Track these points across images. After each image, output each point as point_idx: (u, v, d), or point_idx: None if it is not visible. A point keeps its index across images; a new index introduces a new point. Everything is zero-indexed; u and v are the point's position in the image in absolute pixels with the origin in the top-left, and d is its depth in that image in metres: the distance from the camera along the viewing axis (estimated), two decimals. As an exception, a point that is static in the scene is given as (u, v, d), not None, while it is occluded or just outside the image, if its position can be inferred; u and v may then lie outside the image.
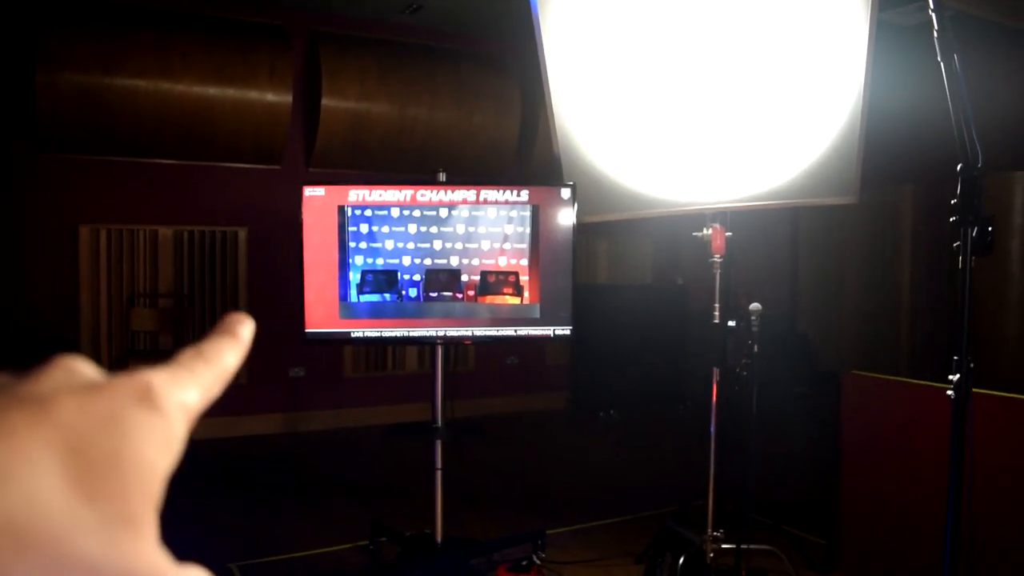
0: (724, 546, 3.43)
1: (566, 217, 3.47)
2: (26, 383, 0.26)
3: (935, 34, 1.90)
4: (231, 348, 0.33)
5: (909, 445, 3.42)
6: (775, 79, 3.23)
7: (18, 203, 5.91)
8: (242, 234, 6.58)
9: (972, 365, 1.88)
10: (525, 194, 3.45)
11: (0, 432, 0.24)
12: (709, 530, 3.45)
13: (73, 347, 5.63)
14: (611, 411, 7.40)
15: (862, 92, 3.08)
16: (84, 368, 0.28)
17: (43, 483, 0.23)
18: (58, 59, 5.54)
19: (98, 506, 0.24)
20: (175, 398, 0.29)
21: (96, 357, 6.11)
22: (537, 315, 3.44)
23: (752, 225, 3.91)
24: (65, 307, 6.04)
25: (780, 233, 7.92)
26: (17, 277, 5.90)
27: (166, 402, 0.28)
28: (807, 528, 4.19)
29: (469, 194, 3.44)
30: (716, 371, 3.47)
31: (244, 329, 0.34)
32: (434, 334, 3.44)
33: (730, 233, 3.44)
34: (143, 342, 6.31)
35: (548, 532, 4.04)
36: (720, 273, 3.44)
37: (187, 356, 0.32)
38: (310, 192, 3.38)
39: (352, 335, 3.44)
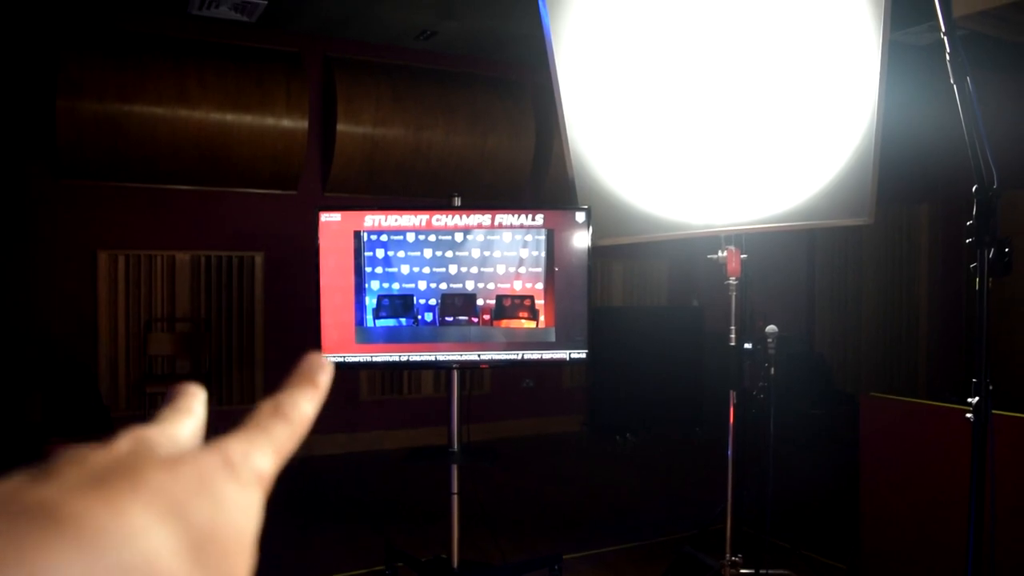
0: (743, 571, 3.40)
1: (581, 240, 3.47)
2: (105, 453, 0.27)
3: (947, 57, 1.90)
4: (309, 398, 0.34)
5: (928, 467, 3.39)
6: (788, 101, 3.24)
7: (37, 228, 5.98)
8: (258, 259, 6.63)
9: (991, 387, 1.87)
10: (540, 218, 3.46)
11: (104, 499, 0.24)
12: (727, 555, 3.42)
13: (91, 371, 5.67)
14: (627, 434, 7.37)
15: (875, 112, 3.09)
16: (157, 437, 0.29)
17: (162, 548, 0.24)
18: (78, 87, 5.62)
19: (208, 572, 0.25)
20: (252, 466, 0.29)
21: (114, 381, 6.16)
22: (553, 339, 3.44)
23: (768, 246, 3.91)
24: (83, 332, 6.09)
25: (796, 254, 7.90)
26: (36, 302, 5.95)
27: (244, 471, 0.29)
28: (826, 552, 4.15)
29: (484, 218, 3.46)
30: (733, 394, 3.46)
31: (324, 377, 0.34)
32: (450, 358, 3.45)
33: (745, 255, 3.44)
34: (161, 366, 6.35)
35: (565, 556, 4.01)
36: (736, 295, 3.43)
37: (265, 414, 0.32)
38: (326, 218, 3.40)
39: (368, 360, 3.45)
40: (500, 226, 3.45)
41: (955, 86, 1.88)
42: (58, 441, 4.87)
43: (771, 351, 3.28)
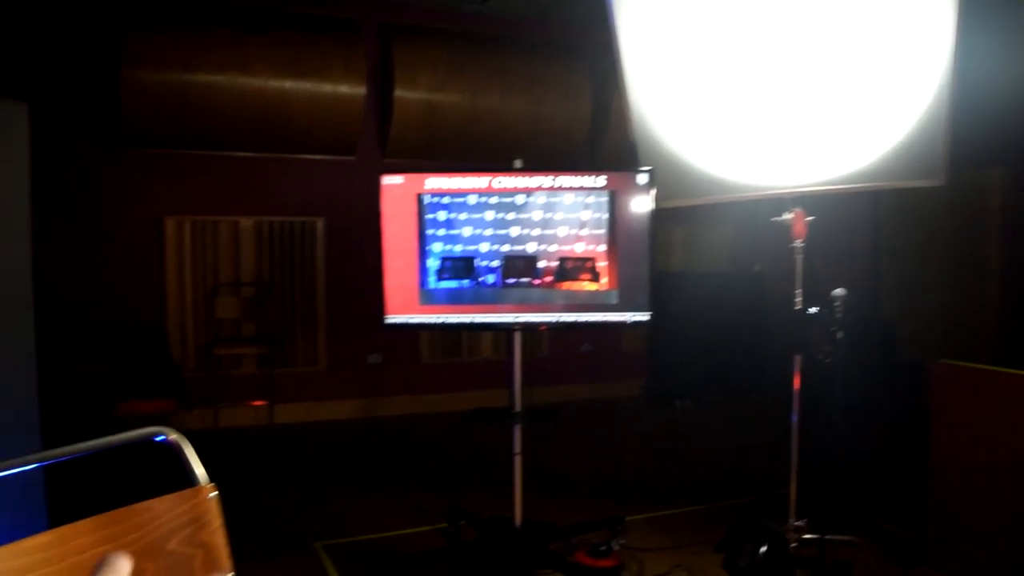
0: (807, 536, 3.38)
1: (643, 202, 3.44)
2: None
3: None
4: None
5: (1001, 436, 3.30)
6: (857, 57, 3.14)
7: (105, 197, 6.13)
8: (319, 224, 6.71)
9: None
10: (602, 180, 3.43)
11: None
12: (791, 519, 3.40)
13: (161, 335, 5.82)
14: (686, 399, 7.33)
15: (949, 69, 2.98)
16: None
17: None
18: (142, 58, 5.71)
19: None
20: None
21: (182, 345, 6.32)
22: (615, 301, 3.43)
23: (832, 209, 3.81)
24: (153, 297, 6.25)
25: (861, 217, 7.71)
26: (106, 268, 6.12)
27: None
28: (892, 521, 4.09)
29: (546, 180, 3.44)
30: (798, 359, 3.41)
31: None
32: (512, 320, 3.46)
33: (812, 217, 3.37)
34: (227, 329, 6.49)
35: (626, 518, 4.03)
36: (801, 258, 3.37)
37: None
38: (388, 181, 3.42)
39: (431, 321, 3.48)
40: (562, 188, 3.43)
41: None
42: (132, 400, 5.02)
43: (838, 315, 3.21)
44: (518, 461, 3.58)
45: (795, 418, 3.42)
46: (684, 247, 8.16)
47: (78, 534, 1.35)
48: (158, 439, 1.53)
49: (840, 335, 3.18)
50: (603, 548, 3.59)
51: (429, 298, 3.45)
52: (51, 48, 5.89)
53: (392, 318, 3.45)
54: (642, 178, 3.43)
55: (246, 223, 6.51)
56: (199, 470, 1.55)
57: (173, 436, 1.54)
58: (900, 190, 3.76)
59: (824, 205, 3.52)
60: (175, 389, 5.51)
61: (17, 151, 2.57)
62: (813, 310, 3.35)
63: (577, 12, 6.85)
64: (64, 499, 2.72)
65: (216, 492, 1.55)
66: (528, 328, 3.52)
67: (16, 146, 2.57)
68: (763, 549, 3.33)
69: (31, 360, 2.66)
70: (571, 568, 3.46)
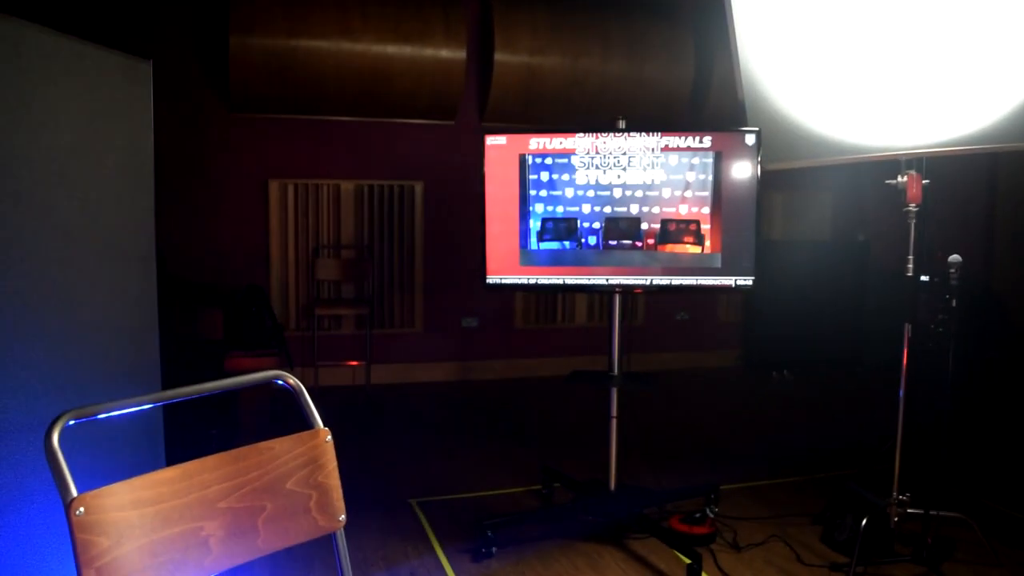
0: (910, 510, 3.28)
1: (750, 165, 3.36)
2: None
3: None
4: None
5: None
6: (977, 12, 2.98)
7: (212, 160, 6.35)
8: (418, 188, 6.79)
9: None
10: (708, 140, 3.37)
11: None
12: (895, 492, 3.31)
13: (265, 293, 6.01)
14: (784, 371, 7.19)
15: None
16: None
17: None
18: (248, 25, 5.86)
19: None
20: None
21: (284, 305, 6.52)
22: (718, 264, 3.37)
23: (945, 172, 3.65)
24: (257, 256, 6.46)
25: (976, 182, 7.36)
26: (213, 228, 6.36)
27: None
28: (1001, 500, 3.94)
29: (650, 141, 3.39)
30: (908, 328, 3.29)
31: None
32: (613, 282, 3.44)
33: (927, 181, 3.24)
34: (327, 291, 6.66)
35: (721, 487, 3.99)
36: (915, 224, 3.24)
37: None
38: (492, 141, 3.43)
39: (532, 282, 3.50)
40: (667, 148, 3.38)
41: None
42: (239, 355, 5.22)
43: (953, 282, 3.09)
44: (614, 424, 3.58)
45: (903, 391, 3.31)
46: (785, 215, 7.94)
47: (204, 470, 1.42)
48: (278, 382, 1.59)
49: (955, 304, 3.06)
50: (697, 515, 3.57)
51: (530, 259, 3.46)
52: (169, 13, 6.11)
53: (493, 278, 3.48)
54: (750, 139, 3.35)
55: (347, 186, 6.64)
56: (315, 414, 1.60)
57: (292, 381, 1.60)
58: (1019, 153, 3.58)
59: (939, 168, 3.37)
60: (278, 347, 5.70)
61: (143, 111, 2.68)
62: (925, 278, 3.23)
63: (680, -28, 6.70)
64: (173, 448, 2.85)
65: (331, 436, 1.60)
66: (629, 290, 3.49)
67: (141, 105, 2.68)
68: (864, 522, 3.26)
69: (153, 315, 2.78)
70: (664, 533, 3.45)
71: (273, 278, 6.50)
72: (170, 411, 2.71)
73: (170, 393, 1.48)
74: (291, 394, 1.59)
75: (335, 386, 6.58)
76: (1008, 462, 4.63)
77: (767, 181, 3.55)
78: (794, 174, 6.89)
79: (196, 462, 1.41)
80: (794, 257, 7.35)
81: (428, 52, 6.29)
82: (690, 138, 3.36)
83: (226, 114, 6.33)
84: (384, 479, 4.32)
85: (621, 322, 3.56)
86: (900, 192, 3.25)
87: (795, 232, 7.97)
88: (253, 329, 5.62)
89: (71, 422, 1.27)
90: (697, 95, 7.06)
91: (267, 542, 1.46)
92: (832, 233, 8.09)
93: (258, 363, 5.24)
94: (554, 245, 3.44)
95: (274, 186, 6.47)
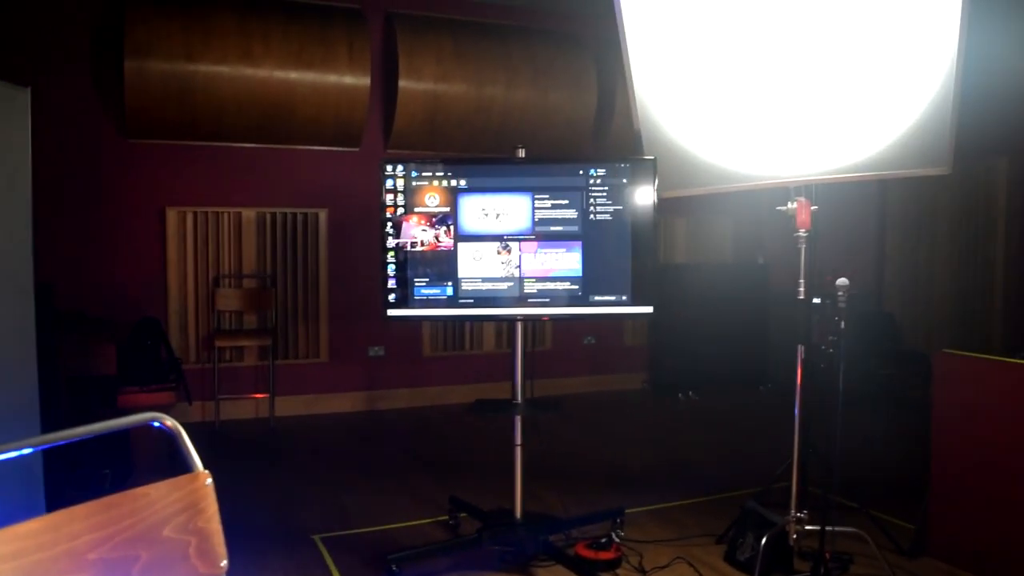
0: (808, 527, 3.36)
1: (647, 193, 3.41)
2: None
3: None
4: None
5: (1003, 426, 3.29)
6: (862, 45, 3.12)
7: (108, 188, 6.13)
8: (322, 215, 6.70)
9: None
10: (604, 169, 3.40)
11: None
12: (793, 511, 3.39)
13: (160, 327, 5.82)
14: (689, 392, 7.32)
15: (955, 58, 2.95)
16: None
17: None
18: (145, 49, 5.69)
19: None
20: None
21: (183, 336, 6.32)
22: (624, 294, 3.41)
23: (836, 198, 3.80)
24: (154, 288, 6.25)
25: (866, 207, 7.69)
26: (108, 258, 6.12)
27: None
28: (894, 512, 4.08)
29: (549, 170, 3.41)
30: (801, 348, 3.39)
31: None
32: (514, 312, 3.44)
33: (816, 207, 3.35)
34: (228, 321, 6.49)
35: (627, 511, 4.02)
36: (805, 248, 3.35)
37: None
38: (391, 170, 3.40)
39: (432, 313, 3.47)
40: (564, 177, 3.40)
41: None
42: (132, 391, 5.02)
43: (841, 304, 3.20)
44: (519, 452, 3.57)
45: (797, 409, 3.41)
46: (688, 239, 8.14)
47: (73, 519, 1.34)
48: (154, 424, 1.53)
49: (843, 325, 3.16)
50: (603, 540, 3.59)
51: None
52: (56, 37, 5.89)
53: (393, 311, 3.43)
54: (646, 168, 3.41)
55: (248, 214, 6.50)
56: (194, 456, 1.54)
57: (169, 422, 1.54)
58: (906, 179, 3.74)
59: (829, 194, 3.50)
60: (175, 381, 5.51)
61: (18, 138, 2.56)
62: (816, 300, 3.34)
63: (583, 4, 6.82)
64: (63, 488, 2.71)
65: (211, 479, 1.54)
66: (530, 319, 3.50)
67: (17, 134, 2.56)
68: (764, 541, 3.32)
69: (31, 350, 2.65)
70: (570, 560, 3.45)
71: (172, 309, 6.29)
72: (59, 450, 2.58)
73: (34, 440, 1.40)
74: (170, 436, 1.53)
75: (238, 419, 6.40)
76: (897, 473, 4.80)
77: (670, 206, 3.63)
78: (695, 199, 7.06)
79: (64, 512, 1.34)
80: (698, 280, 7.52)
81: (332, 78, 6.23)
82: (588, 167, 3.38)
83: (123, 141, 6.12)
84: (287, 514, 4.21)
85: (524, 349, 3.56)
86: (791, 218, 3.36)
87: (698, 255, 8.17)
88: (148, 363, 5.42)
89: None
90: (600, 122, 7.18)
91: (142, 593, 1.39)
92: (733, 256, 8.32)
93: (152, 398, 5.05)
94: (434, 291, 3.41)
95: (172, 214, 6.28)
